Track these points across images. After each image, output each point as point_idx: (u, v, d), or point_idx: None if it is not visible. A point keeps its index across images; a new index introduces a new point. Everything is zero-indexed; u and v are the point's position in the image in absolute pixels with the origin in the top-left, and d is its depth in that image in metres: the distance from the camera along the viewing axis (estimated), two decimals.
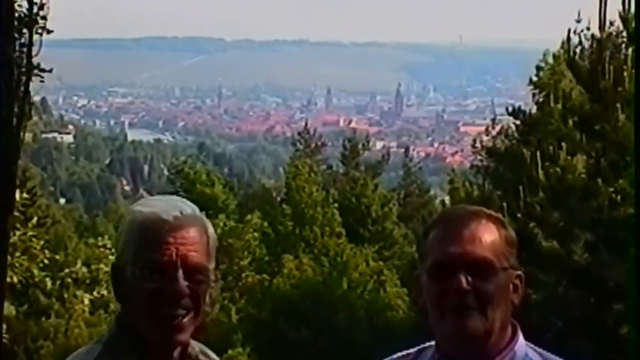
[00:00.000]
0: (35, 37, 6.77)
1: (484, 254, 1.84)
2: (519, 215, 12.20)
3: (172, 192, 38.48)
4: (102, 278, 21.16)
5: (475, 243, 1.85)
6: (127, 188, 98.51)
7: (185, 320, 1.85)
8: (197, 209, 1.91)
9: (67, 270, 21.25)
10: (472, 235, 1.85)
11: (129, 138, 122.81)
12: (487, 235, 1.86)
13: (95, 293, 21.32)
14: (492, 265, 1.84)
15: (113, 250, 22.89)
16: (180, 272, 1.83)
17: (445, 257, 1.84)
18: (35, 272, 16.40)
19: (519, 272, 1.92)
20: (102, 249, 22.43)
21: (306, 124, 39.39)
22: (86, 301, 21.11)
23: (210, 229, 1.93)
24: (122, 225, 1.92)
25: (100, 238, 23.85)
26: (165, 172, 75.15)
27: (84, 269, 21.52)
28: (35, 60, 6.78)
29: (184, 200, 1.94)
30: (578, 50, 13.28)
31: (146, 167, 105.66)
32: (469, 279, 1.83)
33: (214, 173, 35.27)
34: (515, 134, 14.93)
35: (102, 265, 21.30)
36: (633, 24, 10.53)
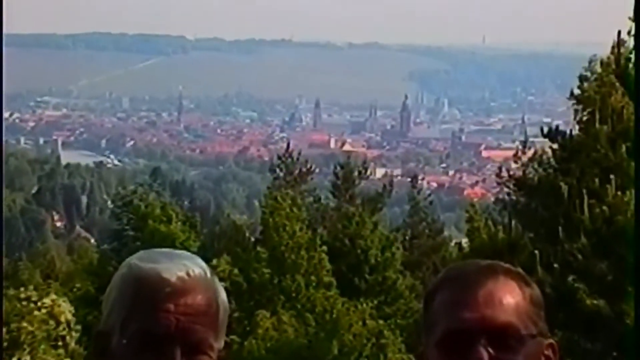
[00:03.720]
0: None
1: (506, 319, 1.85)
2: (555, 265, 12.23)
3: (117, 229, 38.60)
4: (24, 340, 20.98)
5: (495, 306, 1.85)
6: (59, 224, 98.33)
7: None
8: (208, 270, 1.91)
9: None
10: (490, 296, 1.86)
11: (63, 161, 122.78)
12: (509, 296, 1.87)
13: None
14: (518, 332, 1.85)
15: (39, 304, 22.84)
16: (179, 350, 1.80)
17: (459, 326, 1.84)
18: None
19: (551, 341, 1.92)
20: (25, 303, 22.25)
21: (288, 146, 39.49)
22: None
23: (223, 297, 1.92)
24: (113, 279, 1.89)
25: (23, 289, 23.65)
26: (109, 204, 75.10)
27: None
28: None
29: (194, 257, 1.93)
30: (632, 56, 13.37)
31: (84, 198, 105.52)
32: (490, 350, 1.82)
33: (171, 206, 35.25)
34: (552, 162, 14.98)
35: (24, 324, 21.12)
36: None
